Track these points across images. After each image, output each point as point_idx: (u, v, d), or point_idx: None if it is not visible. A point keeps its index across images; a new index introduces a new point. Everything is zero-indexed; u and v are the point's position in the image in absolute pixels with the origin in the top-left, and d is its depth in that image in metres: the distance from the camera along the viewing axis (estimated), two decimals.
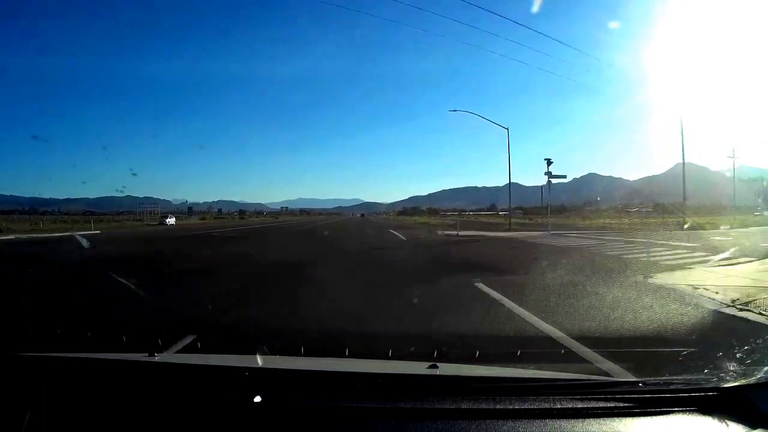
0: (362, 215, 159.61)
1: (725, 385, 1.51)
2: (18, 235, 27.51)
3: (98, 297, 6.59)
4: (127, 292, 6.60)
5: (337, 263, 11.62)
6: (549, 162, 27.06)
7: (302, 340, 3.56)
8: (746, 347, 2.38)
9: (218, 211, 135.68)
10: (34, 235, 27.80)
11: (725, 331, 4.50)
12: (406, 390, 1.55)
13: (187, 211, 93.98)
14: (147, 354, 1.89)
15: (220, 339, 3.65)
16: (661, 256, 12.32)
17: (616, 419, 1.44)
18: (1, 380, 1.61)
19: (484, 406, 1.47)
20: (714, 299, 5.90)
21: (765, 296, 5.93)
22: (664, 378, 1.77)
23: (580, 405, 1.47)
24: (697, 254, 12.54)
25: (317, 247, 17.44)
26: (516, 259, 11.94)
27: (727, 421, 1.41)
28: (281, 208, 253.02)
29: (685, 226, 25.29)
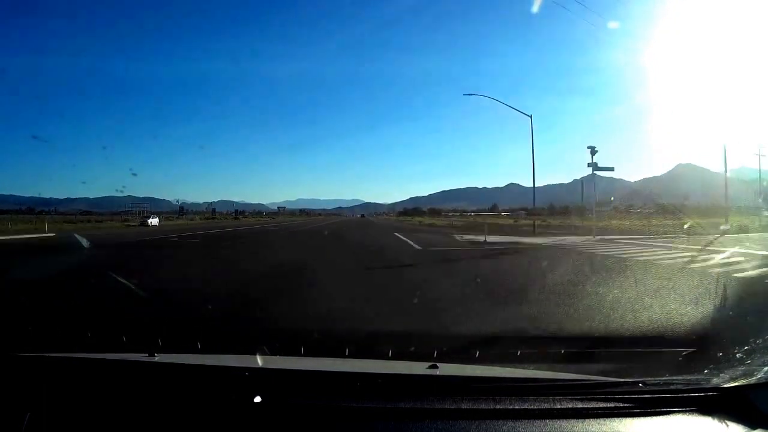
0: (362, 216, 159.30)
1: (725, 385, 1.51)
2: None
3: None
4: None
5: (321, 302, 6.45)
6: (593, 151, 22.57)
7: (302, 340, 3.56)
8: (746, 347, 2.38)
9: (212, 211, 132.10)
10: None
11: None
12: (406, 390, 1.55)
13: (178, 211, 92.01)
14: (147, 354, 1.90)
15: (220, 339, 3.65)
16: None
17: (616, 419, 1.44)
18: (1, 380, 1.61)
19: (484, 406, 1.47)
20: None
21: None
22: (664, 378, 1.77)
23: (580, 405, 1.47)
24: None
25: (301, 263, 11.40)
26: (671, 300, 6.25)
27: (727, 421, 1.41)
28: (278, 208, 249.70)
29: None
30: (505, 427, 1.37)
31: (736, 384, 1.52)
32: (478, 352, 2.66)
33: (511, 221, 63.24)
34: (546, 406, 1.46)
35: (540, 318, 5.10)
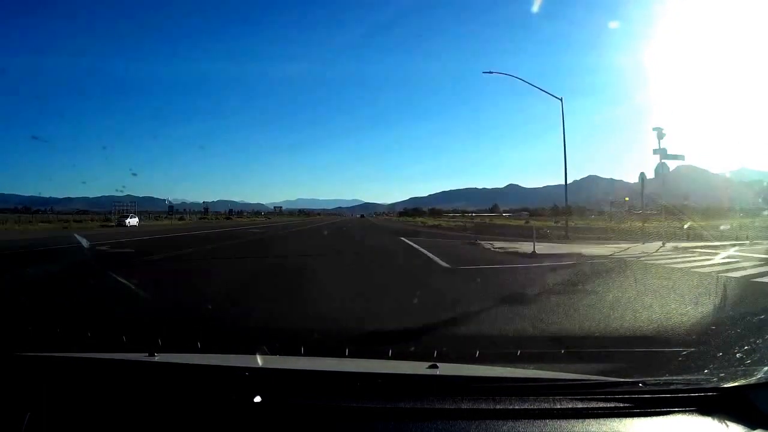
0: (361, 216, 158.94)
1: (725, 385, 1.51)
2: None
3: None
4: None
5: None
6: (660, 134, 17.68)
7: (302, 340, 3.56)
8: (746, 347, 2.39)
9: (205, 210, 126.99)
10: None
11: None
12: (406, 390, 1.55)
13: (168, 210, 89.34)
14: (147, 354, 1.90)
15: (220, 339, 3.65)
16: None
17: (616, 419, 1.44)
18: (1, 380, 1.61)
19: (484, 406, 1.47)
20: None
21: None
22: (664, 378, 1.77)
23: (580, 405, 1.47)
24: None
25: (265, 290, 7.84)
26: None
27: (727, 421, 1.41)
28: (274, 208, 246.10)
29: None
30: (505, 427, 1.37)
31: (736, 384, 1.52)
32: (478, 352, 2.66)
33: (521, 222, 58.42)
34: (546, 406, 1.46)
35: None
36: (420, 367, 1.75)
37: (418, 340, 3.88)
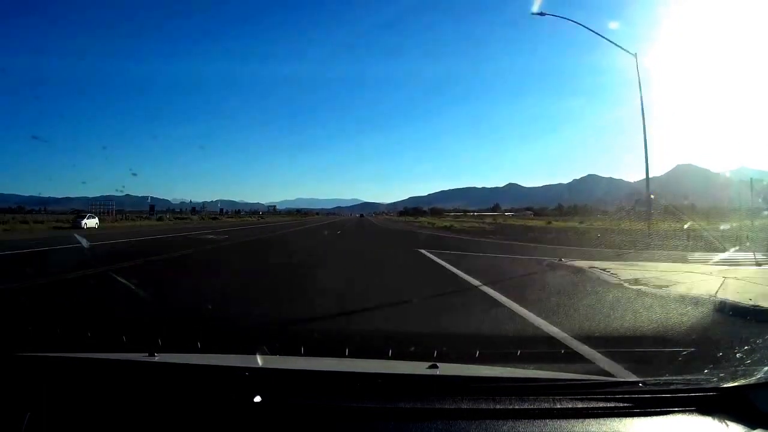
0: (361, 215, 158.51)
1: (725, 385, 1.51)
2: None
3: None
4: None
5: None
6: None
7: (302, 340, 3.56)
8: (746, 347, 2.39)
9: (192, 210, 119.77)
10: None
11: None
12: (406, 390, 1.55)
13: (149, 209, 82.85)
14: (147, 354, 1.89)
15: (220, 339, 3.65)
16: None
17: (616, 419, 1.44)
18: (1, 380, 1.61)
19: (484, 406, 1.47)
20: None
21: None
22: (664, 378, 1.77)
23: (580, 405, 1.47)
24: None
25: None
26: None
27: (727, 421, 1.41)
28: (268, 207, 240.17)
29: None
30: (505, 427, 1.37)
31: (736, 384, 1.51)
32: (478, 352, 2.66)
33: (538, 222, 51.43)
34: (546, 406, 1.46)
35: None
36: (420, 367, 1.75)
37: (417, 340, 3.88)
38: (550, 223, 50.38)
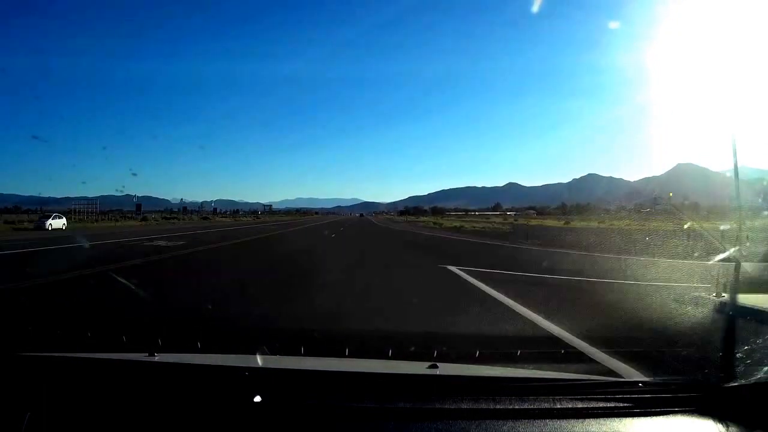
0: (361, 215, 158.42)
1: (725, 385, 1.51)
2: None
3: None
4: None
5: None
6: None
7: (302, 340, 3.55)
8: (746, 347, 2.38)
9: (182, 209, 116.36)
10: None
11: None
12: (406, 390, 1.55)
13: (135, 209, 79.02)
14: (147, 354, 1.89)
15: (220, 339, 3.64)
16: None
17: (616, 419, 1.44)
18: (1, 380, 1.61)
19: (484, 406, 1.47)
20: None
21: None
22: (664, 378, 1.78)
23: (580, 405, 1.47)
24: None
25: None
26: None
27: (727, 421, 1.41)
28: (264, 206, 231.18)
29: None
30: (505, 427, 1.37)
31: (736, 384, 1.52)
32: (478, 352, 2.66)
33: (559, 223, 45.55)
34: (546, 406, 1.46)
35: None
36: (420, 367, 1.75)
37: (418, 340, 3.88)
38: (567, 223, 44.62)
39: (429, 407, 1.46)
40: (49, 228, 36.20)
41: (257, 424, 1.42)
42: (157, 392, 1.57)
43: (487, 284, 7.50)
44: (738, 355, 2.26)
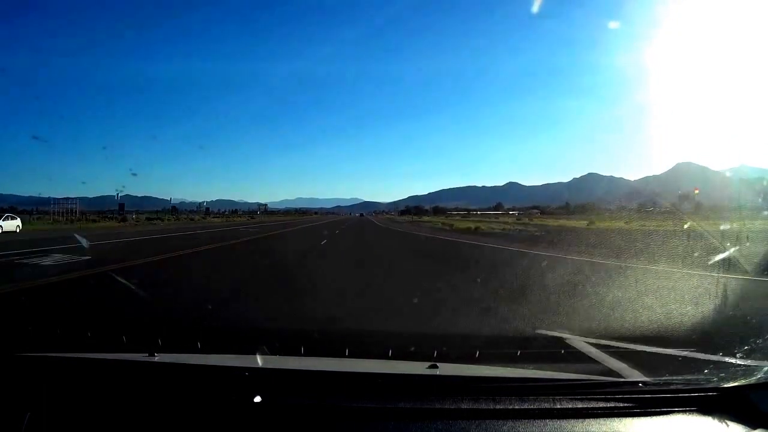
0: (360, 215, 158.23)
1: (725, 385, 1.51)
2: None
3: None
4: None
5: None
6: None
7: (302, 340, 3.55)
8: (746, 347, 2.38)
9: (172, 209, 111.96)
10: None
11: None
12: (406, 390, 1.55)
13: (118, 208, 75.42)
14: (147, 354, 1.89)
15: (220, 339, 3.64)
16: None
17: (617, 419, 1.44)
18: (1, 380, 1.61)
19: (484, 406, 1.47)
20: None
21: None
22: (664, 378, 1.77)
23: (580, 405, 1.47)
24: None
25: None
26: None
27: (727, 421, 1.41)
28: (259, 206, 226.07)
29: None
30: (505, 427, 1.37)
31: (736, 384, 1.51)
32: (478, 352, 2.66)
33: (583, 224, 37.13)
34: (546, 406, 1.46)
35: None
36: (420, 367, 1.75)
37: (417, 340, 3.87)
38: (592, 223, 37.82)
39: (429, 407, 1.46)
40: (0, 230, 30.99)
41: (257, 425, 1.42)
42: (157, 392, 1.57)
43: None
44: (738, 355, 2.27)
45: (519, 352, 3.07)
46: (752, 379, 1.55)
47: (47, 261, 11.73)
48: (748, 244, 11.75)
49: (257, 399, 1.44)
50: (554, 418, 1.42)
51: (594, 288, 7.24)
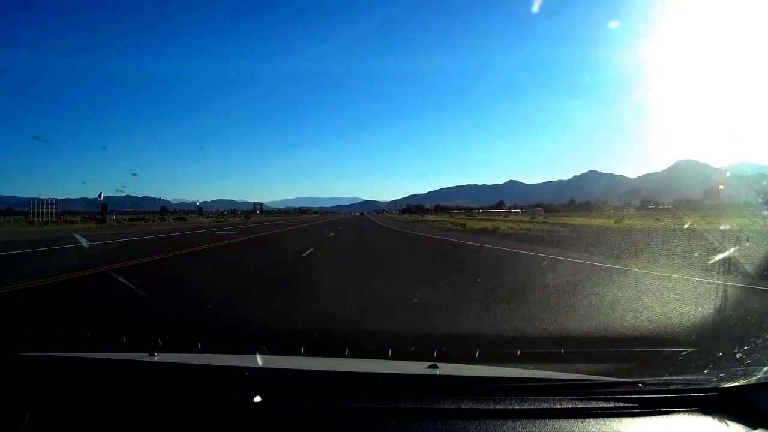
0: (361, 214, 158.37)
1: (725, 385, 1.51)
2: None
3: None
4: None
5: None
6: None
7: (302, 339, 3.55)
8: (746, 347, 2.38)
9: (161, 209, 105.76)
10: None
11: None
12: (406, 390, 1.55)
13: (102, 208, 69.76)
14: (147, 354, 1.89)
15: (220, 339, 3.64)
16: None
17: (616, 419, 1.44)
18: (1, 380, 1.61)
19: (484, 406, 1.47)
20: None
21: None
22: (664, 378, 1.77)
23: (580, 405, 1.47)
24: None
25: None
26: None
27: (727, 421, 1.41)
28: (254, 205, 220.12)
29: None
30: (505, 427, 1.37)
31: (736, 384, 1.51)
32: (478, 352, 2.66)
33: (611, 223, 31.93)
34: (546, 406, 1.46)
35: None
36: (420, 367, 1.75)
37: (417, 340, 3.87)
38: (620, 221, 33.30)
39: (429, 407, 1.46)
40: None
41: (257, 424, 1.42)
42: (157, 392, 1.57)
43: None
44: (738, 355, 2.26)
45: (519, 352, 3.07)
46: (752, 379, 1.55)
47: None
48: None
49: (257, 399, 1.44)
50: (554, 418, 1.42)
51: None
